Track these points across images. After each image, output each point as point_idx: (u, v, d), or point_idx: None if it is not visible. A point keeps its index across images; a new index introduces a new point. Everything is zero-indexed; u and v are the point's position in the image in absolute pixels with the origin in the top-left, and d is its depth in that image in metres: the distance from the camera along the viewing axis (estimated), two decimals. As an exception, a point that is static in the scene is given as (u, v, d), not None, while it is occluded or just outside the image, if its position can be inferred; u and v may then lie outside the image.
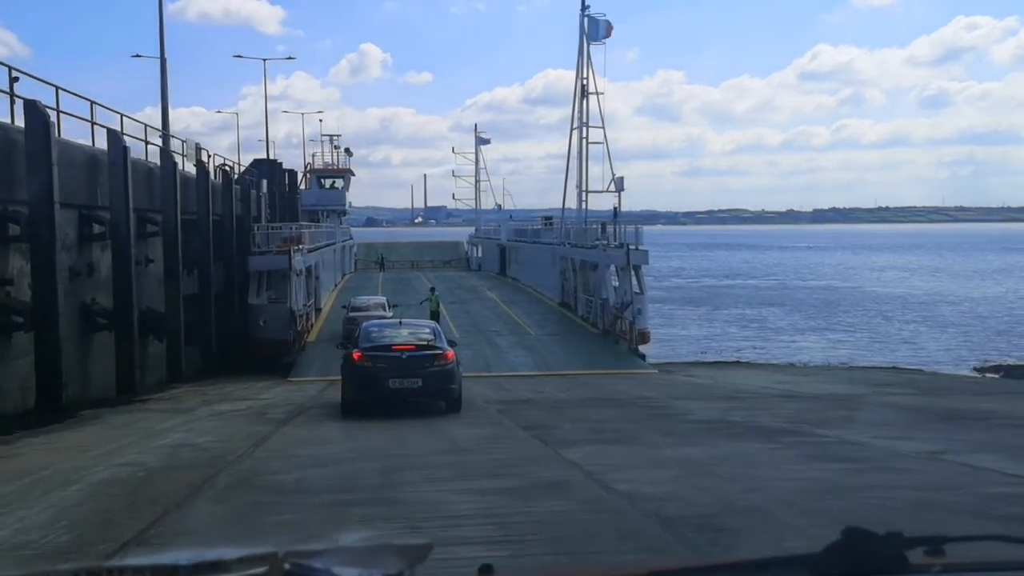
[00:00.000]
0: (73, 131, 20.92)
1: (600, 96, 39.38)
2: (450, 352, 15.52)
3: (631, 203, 36.08)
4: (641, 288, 33.18)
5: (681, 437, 11.43)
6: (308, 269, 38.55)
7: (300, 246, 34.57)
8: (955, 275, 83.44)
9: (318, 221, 55.57)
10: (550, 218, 51.38)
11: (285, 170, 58.40)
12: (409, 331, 16.45)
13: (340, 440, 12.30)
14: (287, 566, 1.22)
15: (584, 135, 39.71)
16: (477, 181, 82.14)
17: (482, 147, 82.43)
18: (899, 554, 1.44)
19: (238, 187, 37.53)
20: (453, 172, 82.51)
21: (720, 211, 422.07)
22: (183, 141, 30.80)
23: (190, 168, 31.50)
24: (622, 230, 37.30)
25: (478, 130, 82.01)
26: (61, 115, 19.29)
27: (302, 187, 62.05)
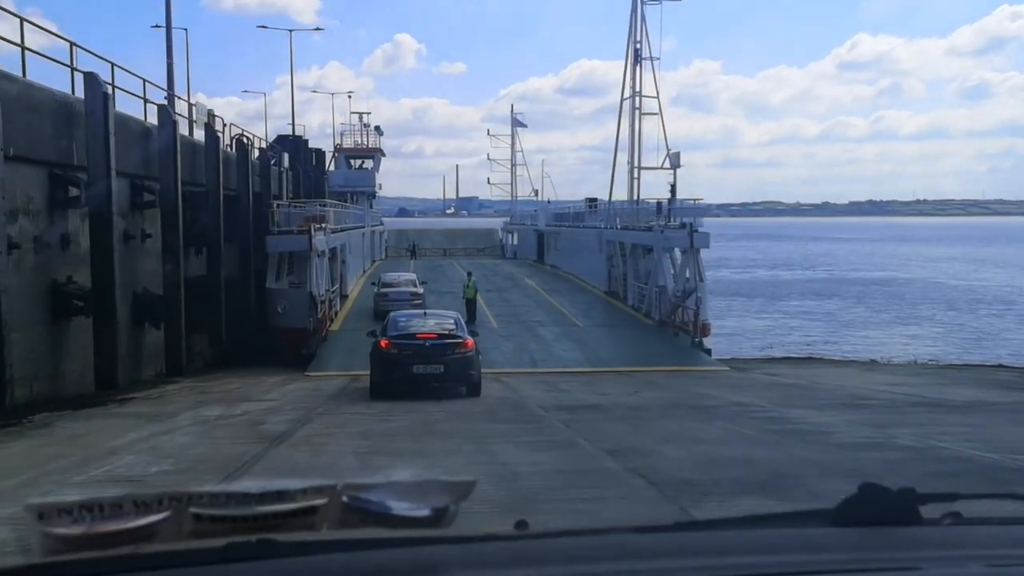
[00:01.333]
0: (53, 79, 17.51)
1: (655, 62, 35.48)
2: (470, 341, 16.56)
3: (661, 194, 32.76)
4: (701, 275, 29.33)
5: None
6: (332, 251, 35.11)
7: (323, 225, 31.12)
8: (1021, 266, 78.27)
9: (346, 203, 52.09)
10: (594, 200, 47.53)
11: (312, 149, 55.07)
12: (435, 321, 17.52)
13: (351, 468, 8.73)
14: (345, 498, 1.32)
15: (637, 105, 35.82)
16: (513, 165, 78.43)
17: (518, 130, 78.64)
18: (912, 508, 1.49)
19: (257, 162, 34.19)
20: (488, 156, 78.93)
21: (754, 203, 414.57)
22: (193, 104, 27.46)
23: (201, 137, 28.20)
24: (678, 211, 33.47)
25: (514, 112, 78.18)
26: (29, 52, 15.89)
27: (330, 168, 58.74)
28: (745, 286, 58.62)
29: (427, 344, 15.94)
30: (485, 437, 10.63)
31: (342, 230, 39.08)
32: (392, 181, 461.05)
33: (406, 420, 12.31)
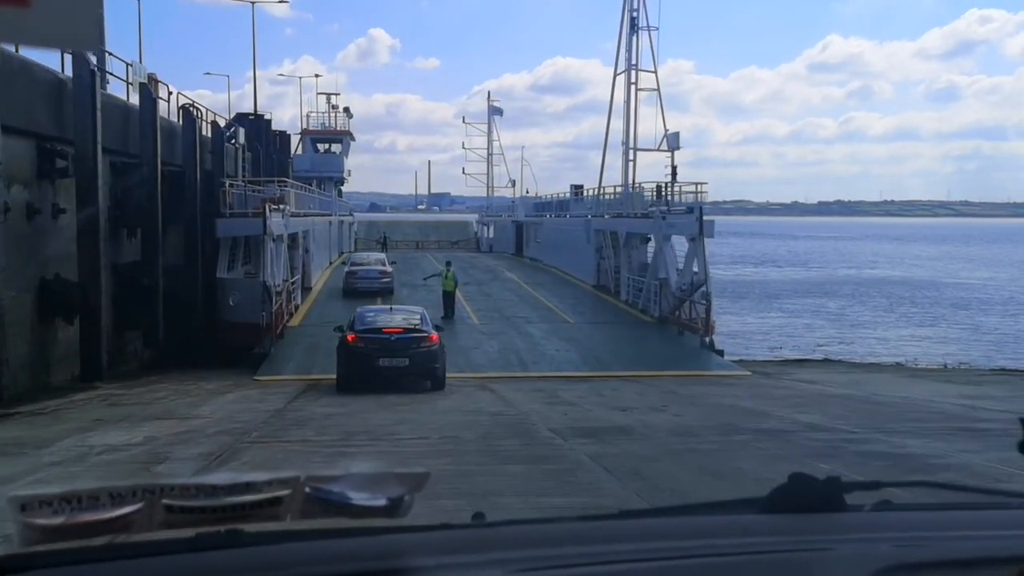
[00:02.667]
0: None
1: (653, 32, 32.10)
2: (435, 335, 16.84)
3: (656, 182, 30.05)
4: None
5: None
6: (293, 238, 31.39)
7: (281, 207, 27.41)
8: (1017, 265, 76.05)
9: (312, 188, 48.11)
10: (580, 187, 44.15)
11: (277, 132, 51.10)
12: (401, 317, 17.86)
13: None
14: (307, 489, 1.36)
15: (633, 80, 32.42)
16: (490, 155, 74.75)
17: (495, 119, 75.06)
18: (837, 495, 1.55)
19: (209, 137, 30.36)
20: (464, 145, 75.09)
21: (725, 202, 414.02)
22: (129, 64, 23.62)
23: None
24: (678, 195, 30.18)
25: (491, 99, 74.57)
26: None
27: (297, 152, 54.75)
28: (733, 284, 55.54)
29: (392, 338, 16.30)
30: (490, 493, 7.11)
31: (305, 215, 35.32)
32: (364, 176, 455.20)
33: (370, 456, 8.83)
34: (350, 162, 60.38)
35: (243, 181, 30.34)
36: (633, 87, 32.19)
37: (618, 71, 33.87)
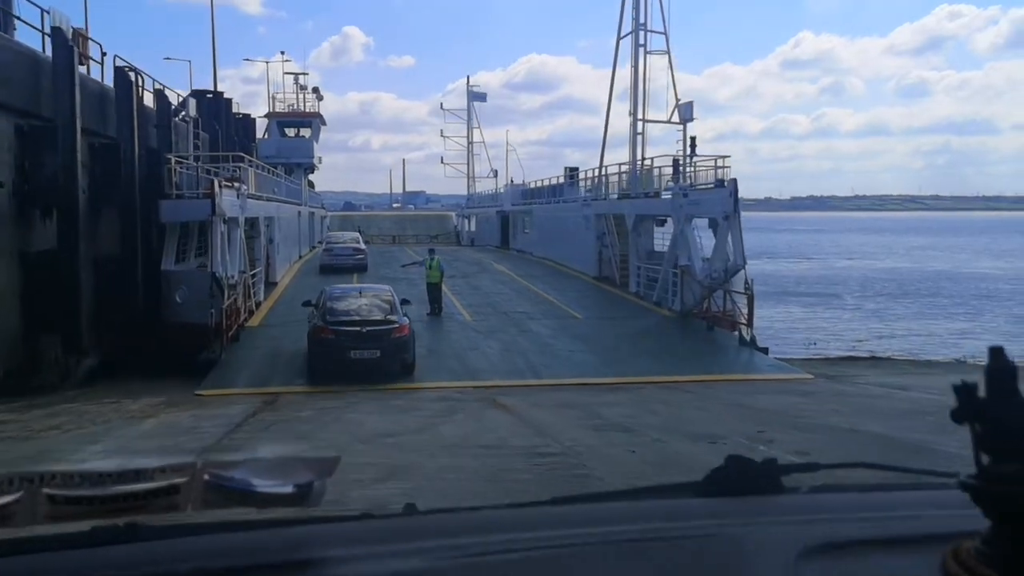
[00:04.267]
0: None
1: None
2: (406, 326, 16.61)
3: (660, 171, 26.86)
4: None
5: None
6: (252, 223, 27.21)
7: (236, 185, 23.19)
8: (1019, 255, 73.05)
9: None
10: (575, 169, 40.19)
11: (240, 115, 46.63)
12: (368, 300, 17.41)
13: None
14: (206, 476, 1.27)
15: (642, 42, 28.49)
16: (470, 143, 70.72)
17: (476, 105, 70.98)
18: (775, 477, 1.57)
19: (153, 109, 26.04)
20: (442, 132, 70.85)
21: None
22: (46, 11, 19.32)
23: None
24: (693, 172, 26.32)
25: (471, 84, 70.46)
26: None
27: (264, 137, 50.21)
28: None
29: (364, 330, 16.14)
30: None
31: (268, 200, 31.10)
32: (338, 176, 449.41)
33: None
34: (321, 148, 55.90)
35: (192, 156, 26.05)
36: (641, 50, 28.29)
37: (622, 34, 29.98)
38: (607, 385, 15.72)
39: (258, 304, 25.68)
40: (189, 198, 23.80)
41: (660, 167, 27.50)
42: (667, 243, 32.42)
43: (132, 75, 23.82)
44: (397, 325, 16.42)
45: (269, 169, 35.33)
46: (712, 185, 22.20)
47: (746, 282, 20.36)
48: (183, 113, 28.71)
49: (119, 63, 23.36)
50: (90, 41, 23.44)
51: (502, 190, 59.09)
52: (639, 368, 17.48)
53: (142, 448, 9.06)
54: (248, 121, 48.62)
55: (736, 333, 21.23)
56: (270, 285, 30.46)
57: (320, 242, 47.60)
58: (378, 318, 16.49)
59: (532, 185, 48.25)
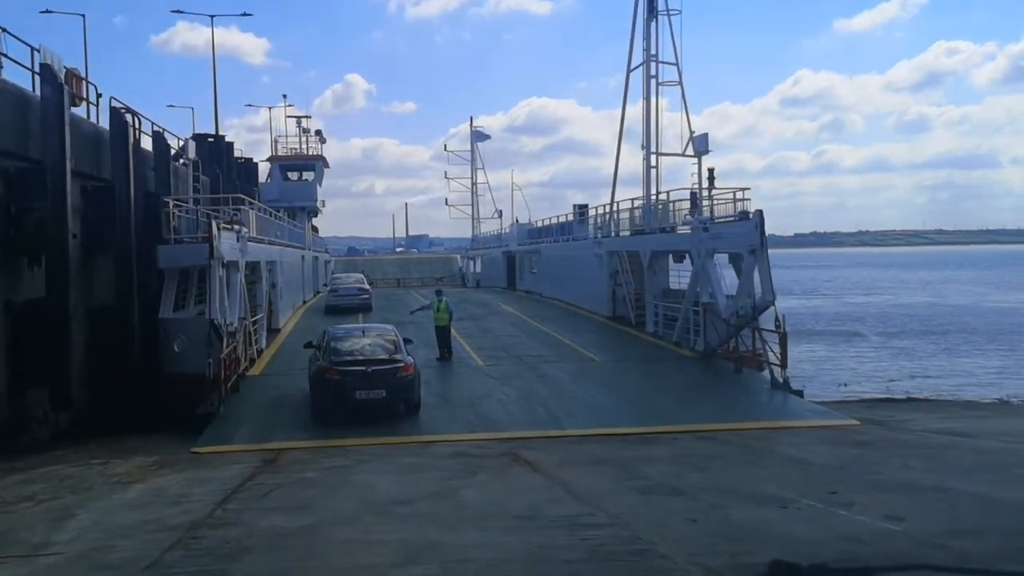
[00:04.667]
0: None
1: (674, 16, 27.42)
2: (411, 365, 16.36)
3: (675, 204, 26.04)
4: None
5: None
6: (254, 267, 26.17)
7: (236, 227, 22.18)
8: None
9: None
10: (584, 206, 39.23)
11: (242, 159, 45.93)
12: (371, 340, 17.20)
13: None
14: None
15: (654, 73, 27.64)
16: (474, 184, 69.97)
17: (479, 146, 70.42)
18: None
19: (151, 152, 25.16)
20: (446, 174, 70.09)
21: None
22: (36, 49, 18.44)
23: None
24: (709, 203, 25.31)
25: (474, 124, 69.93)
26: None
27: (267, 181, 49.39)
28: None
29: (369, 370, 15.88)
30: None
31: (271, 244, 30.11)
32: (342, 221, 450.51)
33: None
34: (325, 193, 55.00)
35: (192, 199, 25.13)
36: (653, 81, 27.42)
37: (632, 66, 29.16)
38: (637, 436, 14.48)
39: (260, 352, 24.55)
40: (188, 242, 22.85)
41: (676, 201, 26.46)
42: (684, 280, 31.43)
43: (129, 116, 23.00)
44: (402, 364, 16.17)
45: (271, 212, 34.40)
46: (735, 218, 21.11)
47: (776, 319, 19.19)
48: (183, 157, 27.86)
49: (115, 104, 22.52)
50: (85, 82, 22.58)
51: (507, 230, 58.17)
52: (669, 415, 16.25)
53: (120, 525, 7.83)
54: (250, 165, 47.94)
55: (767, 374, 20.05)
56: (272, 332, 29.36)
57: (325, 285, 46.65)
58: (383, 357, 16.30)
59: (539, 224, 47.32)
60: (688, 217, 24.96)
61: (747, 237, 20.11)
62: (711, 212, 23.66)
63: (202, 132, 39.06)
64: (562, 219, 41.63)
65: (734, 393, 18.66)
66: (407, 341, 17.61)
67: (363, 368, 15.81)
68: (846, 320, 48.64)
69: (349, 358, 16.18)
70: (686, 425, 15.31)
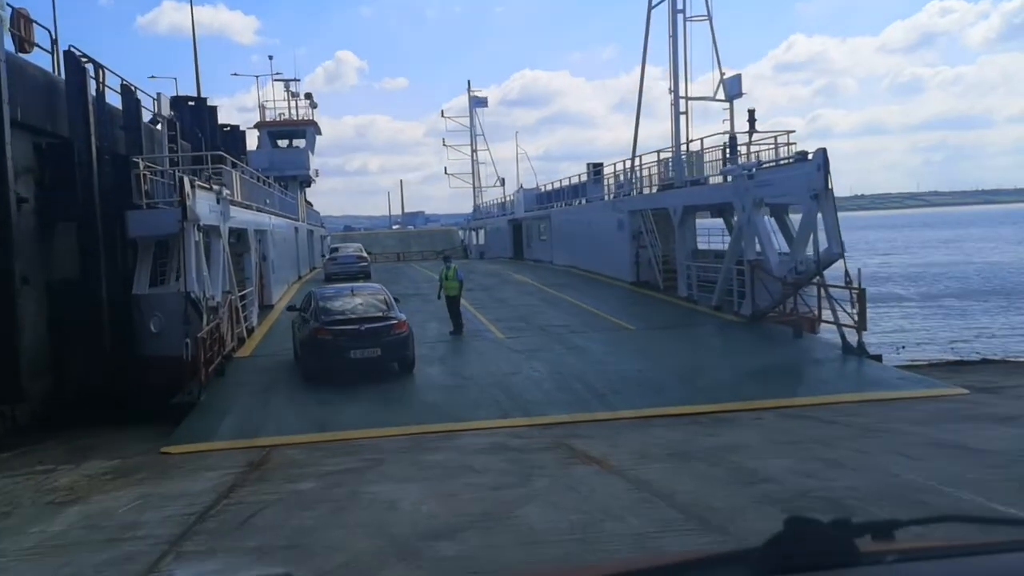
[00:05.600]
0: None
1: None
2: (405, 323, 16.01)
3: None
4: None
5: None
6: (239, 236, 23.40)
7: (215, 187, 19.31)
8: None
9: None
10: (599, 164, 36.37)
11: (226, 127, 42.86)
12: (361, 300, 16.75)
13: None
14: None
15: (680, 6, 24.66)
16: (474, 151, 67.00)
17: (477, 110, 67.37)
18: (848, 543, 1.34)
19: (119, 108, 22.28)
20: (444, 142, 67.11)
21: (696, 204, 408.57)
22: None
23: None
24: (748, 151, 22.53)
25: (472, 89, 66.80)
26: None
27: (256, 149, 46.28)
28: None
29: (363, 328, 15.45)
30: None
31: (259, 211, 27.29)
32: (337, 200, 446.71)
33: None
34: (319, 174, 51.90)
35: (166, 159, 22.27)
36: (680, 16, 24.47)
37: (653, 3, 26.15)
38: (707, 415, 11.82)
39: (250, 331, 21.82)
40: (162, 208, 20.04)
41: (711, 148, 23.64)
42: (713, 241, 28.68)
43: (90, 67, 20.10)
44: (396, 322, 15.80)
45: (260, 178, 31.56)
46: (791, 159, 18.27)
47: (847, 274, 16.44)
48: (158, 118, 24.90)
49: (73, 51, 19.58)
50: (36, 25, 19.67)
51: (511, 198, 55.32)
52: (735, 390, 13.55)
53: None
54: (237, 132, 44.80)
55: (832, 338, 17.38)
56: (265, 309, 26.64)
57: (323, 256, 43.98)
58: (376, 315, 15.92)
59: (547, 188, 44.43)
60: (728, 166, 22.15)
61: (807, 180, 17.30)
62: (757, 158, 20.87)
63: (183, 95, 35.94)
64: (574, 181, 38.74)
65: (802, 361, 15.98)
66: (396, 300, 17.18)
67: (356, 327, 15.38)
68: (875, 281, 45.99)
69: (341, 317, 15.67)
70: (760, 401, 12.64)
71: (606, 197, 33.52)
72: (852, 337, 16.15)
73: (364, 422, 12.43)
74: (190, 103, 36.07)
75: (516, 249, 50.05)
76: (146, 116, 24.00)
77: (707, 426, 10.93)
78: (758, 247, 20.05)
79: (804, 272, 17.68)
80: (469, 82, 69.88)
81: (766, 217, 21.04)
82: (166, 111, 23.81)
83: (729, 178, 22.41)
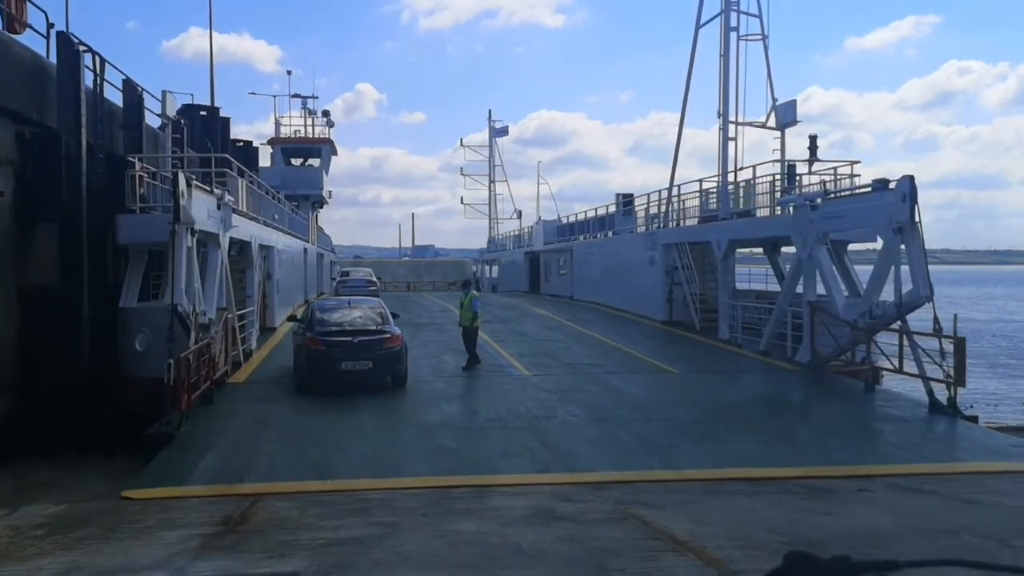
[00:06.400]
0: None
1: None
2: (398, 336, 16.01)
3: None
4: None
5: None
6: (242, 249, 21.40)
7: (219, 190, 17.26)
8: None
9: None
10: (629, 195, 34.37)
11: (238, 143, 41.10)
12: (359, 313, 16.80)
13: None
14: None
15: (734, 24, 22.77)
16: (491, 181, 65.24)
17: (497, 140, 65.75)
18: None
19: (120, 105, 20.43)
20: (462, 171, 65.38)
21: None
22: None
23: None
24: (800, 185, 20.51)
25: (492, 119, 65.24)
26: None
27: (269, 167, 44.43)
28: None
29: (356, 340, 15.40)
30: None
31: (266, 224, 25.31)
32: (348, 230, 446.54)
33: None
34: (333, 204, 50.02)
35: (164, 159, 20.33)
36: (733, 34, 22.57)
37: (701, 21, 24.30)
38: (795, 481, 9.58)
39: (248, 355, 19.70)
40: (158, 213, 18.03)
41: (761, 179, 21.58)
42: (756, 281, 26.59)
43: (88, 56, 18.26)
44: (390, 335, 15.74)
45: (271, 192, 29.67)
46: (869, 188, 16.17)
47: (936, 321, 14.26)
48: (162, 120, 22.99)
49: (67, 34, 17.71)
50: (31, 6, 17.84)
51: (528, 229, 53.40)
52: (824, 452, 11.33)
53: None
54: (249, 149, 43.03)
55: (905, 392, 15.18)
56: (267, 332, 24.56)
57: (333, 279, 42.02)
58: (369, 328, 15.90)
59: (569, 220, 42.38)
60: (784, 197, 20.07)
61: (888, 211, 15.18)
62: (824, 187, 18.82)
63: (194, 105, 34.16)
64: (600, 212, 36.73)
65: (885, 419, 13.71)
66: (395, 315, 17.22)
67: (349, 339, 15.35)
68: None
69: (334, 328, 15.70)
70: (856, 467, 10.40)
71: (636, 229, 31.48)
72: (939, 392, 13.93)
73: (372, 468, 10.26)
74: (202, 112, 34.32)
75: (532, 283, 48.03)
76: (155, 122, 22.18)
77: (803, 497, 8.70)
78: (819, 288, 17.93)
79: (880, 316, 15.49)
80: (490, 111, 68.47)
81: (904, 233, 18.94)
82: (172, 111, 21.88)
83: (780, 210, 20.36)
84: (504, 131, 65.03)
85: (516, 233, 57.63)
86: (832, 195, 17.77)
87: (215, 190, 16.83)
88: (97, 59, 18.80)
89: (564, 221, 44.12)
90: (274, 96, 55.53)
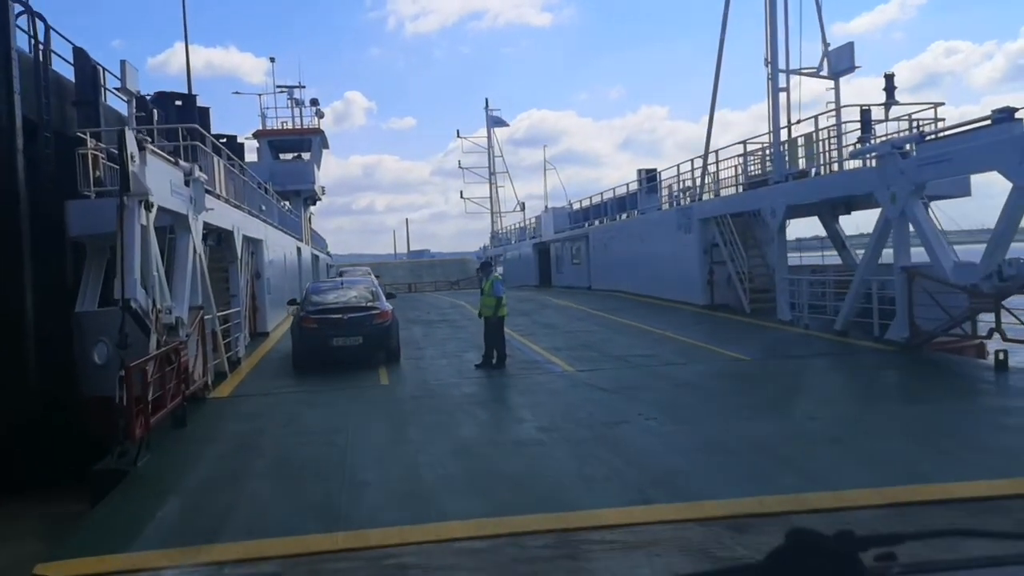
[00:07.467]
0: None
1: None
2: (388, 311, 16.14)
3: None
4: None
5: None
6: (222, 239, 18.34)
7: (187, 164, 14.13)
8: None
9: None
10: (652, 170, 31.33)
11: (221, 138, 37.94)
12: (352, 291, 17.25)
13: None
14: None
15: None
16: (491, 173, 62.18)
17: (495, 129, 62.70)
18: (851, 556, 1.28)
19: (71, 81, 17.37)
20: (460, 164, 62.16)
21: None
22: None
23: None
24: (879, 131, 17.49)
25: (490, 108, 62.12)
26: None
27: (255, 162, 41.31)
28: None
29: (345, 317, 15.63)
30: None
31: (251, 215, 22.23)
32: (344, 238, 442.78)
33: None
34: (325, 212, 47.04)
35: (116, 131, 17.17)
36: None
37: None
38: (978, 503, 6.57)
39: (235, 363, 16.63)
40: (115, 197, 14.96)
41: (827, 128, 18.54)
42: (806, 256, 23.64)
43: (24, 19, 15.26)
44: (379, 311, 15.92)
45: (258, 182, 26.62)
46: (986, 120, 13.08)
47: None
48: (125, 93, 19.84)
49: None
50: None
51: (533, 220, 50.39)
52: (987, 459, 8.29)
53: None
54: (234, 144, 39.92)
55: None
56: (258, 337, 21.55)
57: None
58: (359, 305, 16.14)
59: (582, 205, 39.30)
60: (856, 146, 17.02)
61: (1017, 147, 12.14)
62: (919, 128, 15.81)
63: (168, 91, 31.02)
64: (619, 192, 33.65)
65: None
66: (389, 296, 17.83)
67: (339, 316, 15.57)
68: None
69: (326, 307, 16.00)
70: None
71: (663, 206, 28.47)
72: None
73: (402, 508, 7.18)
74: (176, 102, 31.19)
75: (543, 275, 45.06)
76: (124, 109, 19.11)
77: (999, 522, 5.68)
78: (926, 247, 14.90)
79: (1015, 276, 12.44)
80: (487, 100, 65.31)
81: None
82: (133, 86, 18.76)
83: (853, 164, 17.36)
84: (502, 121, 61.89)
85: (521, 225, 54.63)
86: (932, 136, 14.70)
87: (182, 163, 13.70)
88: (36, 20, 15.78)
89: (574, 207, 41.06)
90: (259, 95, 52.22)
